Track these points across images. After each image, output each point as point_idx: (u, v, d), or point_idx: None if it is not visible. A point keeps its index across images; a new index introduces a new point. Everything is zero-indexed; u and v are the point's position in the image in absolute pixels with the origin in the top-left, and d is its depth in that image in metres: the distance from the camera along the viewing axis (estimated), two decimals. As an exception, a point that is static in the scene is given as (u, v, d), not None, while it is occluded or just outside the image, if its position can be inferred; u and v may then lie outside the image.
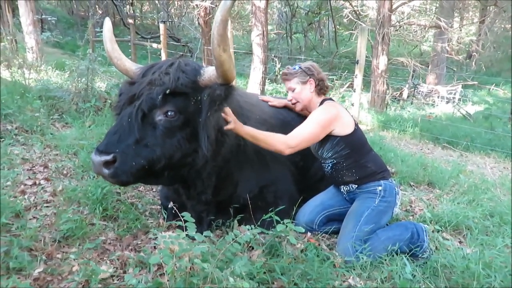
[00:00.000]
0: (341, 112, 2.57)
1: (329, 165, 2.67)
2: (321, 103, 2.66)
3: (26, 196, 2.66)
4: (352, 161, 2.59)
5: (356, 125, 2.64)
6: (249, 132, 2.31)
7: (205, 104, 2.03)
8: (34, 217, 2.42)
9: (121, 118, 2.01)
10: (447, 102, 12.12)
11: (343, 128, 2.55)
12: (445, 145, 6.72)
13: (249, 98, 2.90)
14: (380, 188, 2.55)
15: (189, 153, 2.11)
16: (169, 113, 2.01)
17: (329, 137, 2.55)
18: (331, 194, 2.80)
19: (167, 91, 1.97)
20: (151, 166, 2.00)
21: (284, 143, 2.36)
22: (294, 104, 2.73)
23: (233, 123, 2.22)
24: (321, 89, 2.69)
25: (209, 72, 2.06)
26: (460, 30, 16.53)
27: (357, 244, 2.34)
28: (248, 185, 2.62)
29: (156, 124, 2.01)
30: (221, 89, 2.03)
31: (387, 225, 2.77)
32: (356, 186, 2.61)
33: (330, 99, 2.71)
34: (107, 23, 2.44)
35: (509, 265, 2.22)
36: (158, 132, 2.01)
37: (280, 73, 2.75)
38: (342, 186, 2.69)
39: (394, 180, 2.72)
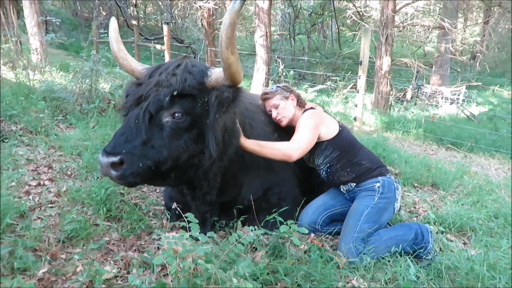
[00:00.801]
0: (323, 117, 2.69)
1: (324, 170, 2.73)
2: (303, 113, 2.75)
3: (30, 197, 2.67)
4: (345, 161, 2.64)
5: (341, 126, 2.72)
6: (254, 143, 2.40)
7: (213, 106, 2.02)
8: (38, 218, 2.42)
9: (128, 119, 2.00)
10: (451, 103, 12.08)
11: (328, 132, 2.64)
12: (449, 146, 6.70)
13: (254, 99, 2.91)
14: (378, 184, 2.57)
15: (196, 154, 2.11)
16: (176, 115, 2.00)
17: (317, 144, 2.63)
18: (332, 194, 2.82)
19: (174, 93, 1.97)
20: (158, 167, 2.00)
21: (291, 149, 2.43)
22: (279, 120, 2.76)
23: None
24: (301, 103, 2.82)
25: (216, 74, 2.05)
26: (464, 30, 16.45)
27: (359, 244, 2.35)
28: (252, 187, 2.62)
29: (163, 126, 2.00)
30: (229, 91, 2.02)
31: (389, 224, 2.78)
32: (355, 184, 2.65)
33: (311, 108, 2.80)
34: (113, 23, 2.43)
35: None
36: (165, 134, 2.00)
37: (261, 94, 2.81)
38: (341, 186, 2.72)
39: (395, 178, 2.73)
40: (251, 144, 2.40)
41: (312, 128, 2.55)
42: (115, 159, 1.87)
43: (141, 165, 1.93)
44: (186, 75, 2.03)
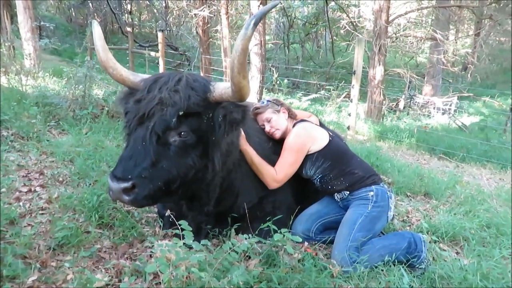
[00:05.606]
0: (311, 131, 2.71)
1: (317, 181, 2.74)
2: (294, 126, 2.79)
3: (21, 203, 2.63)
4: (337, 171, 2.66)
5: (331, 136, 2.74)
6: (249, 154, 2.49)
7: (221, 125, 2.01)
8: (28, 224, 2.38)
9: (135, 140, 1.94)
10: (443, 113, 12.22)
11: (318, 144, 2.66)
12: (441, 156, 6.75)
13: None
14: (371, 193, 2.59)
15: (201, 169, 2.09)
16: (183, 133, 1.96)
17: (307, 157, 2.66)
18: (326, 202, 2.83)
19: (180, 113, 1.92)
20: (168, 187, 1.97)
21: (273, 179, 2.56)
22: (273, 133, 2.79)
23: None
24: (292, 115, 2.88)
25: (220, 89, 1.99)
26: (456, 42, 16.74)
27: (352, 252, 2.34)
28: (248, 195, 2.61)
29: (170, 145, 1.96)
30: (237, 111, 2.02)
31: (382, 233, 2.78)
32: (348, 192, 2.66)
33: (302, 120, 2.84)
34: (97, 28, 2.22)
35: (506, 276, 2.22)
36: (172, 153, 1.96)
37: (252, 109, 2.85)
38: (335, 194, 2.74)
39: (388, 187, 2.74)
40: (247, 153, 2.49)
41: (297, 150, 2.61)
42: (127, 184, 1.83)
43: (152, 187, 1.90)
44: (189, 91, 1.96)
